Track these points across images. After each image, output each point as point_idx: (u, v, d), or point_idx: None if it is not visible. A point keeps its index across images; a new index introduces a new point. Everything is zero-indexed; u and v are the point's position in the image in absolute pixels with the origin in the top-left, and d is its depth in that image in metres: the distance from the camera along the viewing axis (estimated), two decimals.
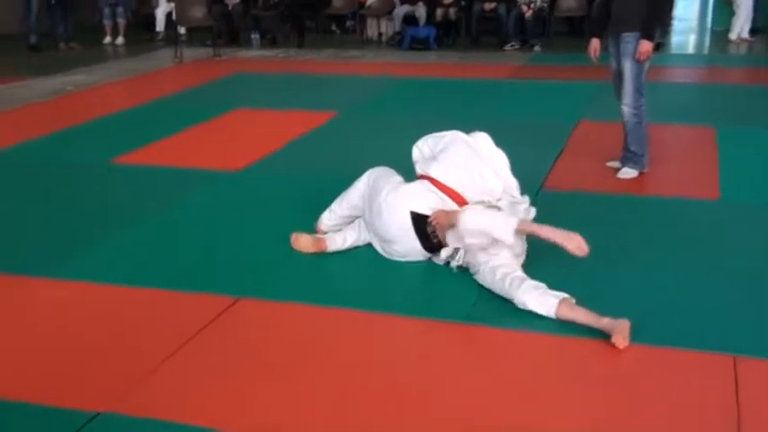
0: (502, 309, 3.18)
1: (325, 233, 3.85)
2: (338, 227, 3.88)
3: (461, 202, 3.57)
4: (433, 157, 3.74)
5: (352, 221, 3.85)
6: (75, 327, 3.15)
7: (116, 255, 3.84)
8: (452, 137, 3.79)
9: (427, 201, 3.54)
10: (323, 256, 3.71)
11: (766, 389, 2.62)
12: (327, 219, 3.91)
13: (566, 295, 3.07)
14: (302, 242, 3.78)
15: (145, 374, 2.77)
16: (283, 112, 6.94)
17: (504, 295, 3.19)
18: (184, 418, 2.52)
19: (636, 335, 2.93)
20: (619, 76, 4.77)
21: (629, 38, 4.59)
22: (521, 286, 3.13)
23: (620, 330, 2.87)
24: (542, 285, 3.14)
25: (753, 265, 3.52)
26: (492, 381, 2.71)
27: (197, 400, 2.62)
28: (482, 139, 3.80)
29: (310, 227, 3.92)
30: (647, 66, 4.69)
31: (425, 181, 3.66)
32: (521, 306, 3.13)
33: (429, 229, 3.47)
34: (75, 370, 2.82)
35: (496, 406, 2.56)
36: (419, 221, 3.48)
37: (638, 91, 4.69)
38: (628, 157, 4.87)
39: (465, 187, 3.60)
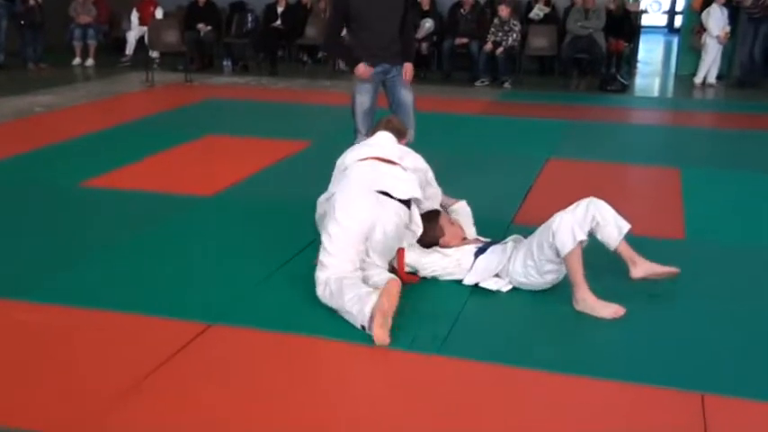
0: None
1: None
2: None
3: None
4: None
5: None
6: (46, 350, 3.10)
7: (88, 279, 3.79)
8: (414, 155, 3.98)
9: None
10: (305, 286, 3.57)
11: (733, 427, 2.67)
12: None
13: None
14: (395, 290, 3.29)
15: (114, 400, 2.74)
16: (255, 139, 6.94)
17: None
18: None
19: (605, 371, 2.99)
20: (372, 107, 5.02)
21: (399, 69, 4.99)
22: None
23: None
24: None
25: (719, 305, 3.59)
26: (440, 409, 2.73)
27: (166, 427, 2.59)
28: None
29: (286, 252, 3.92)
30: None
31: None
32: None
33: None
34: (44, 394, 2.78)
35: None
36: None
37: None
38: None
39: None
